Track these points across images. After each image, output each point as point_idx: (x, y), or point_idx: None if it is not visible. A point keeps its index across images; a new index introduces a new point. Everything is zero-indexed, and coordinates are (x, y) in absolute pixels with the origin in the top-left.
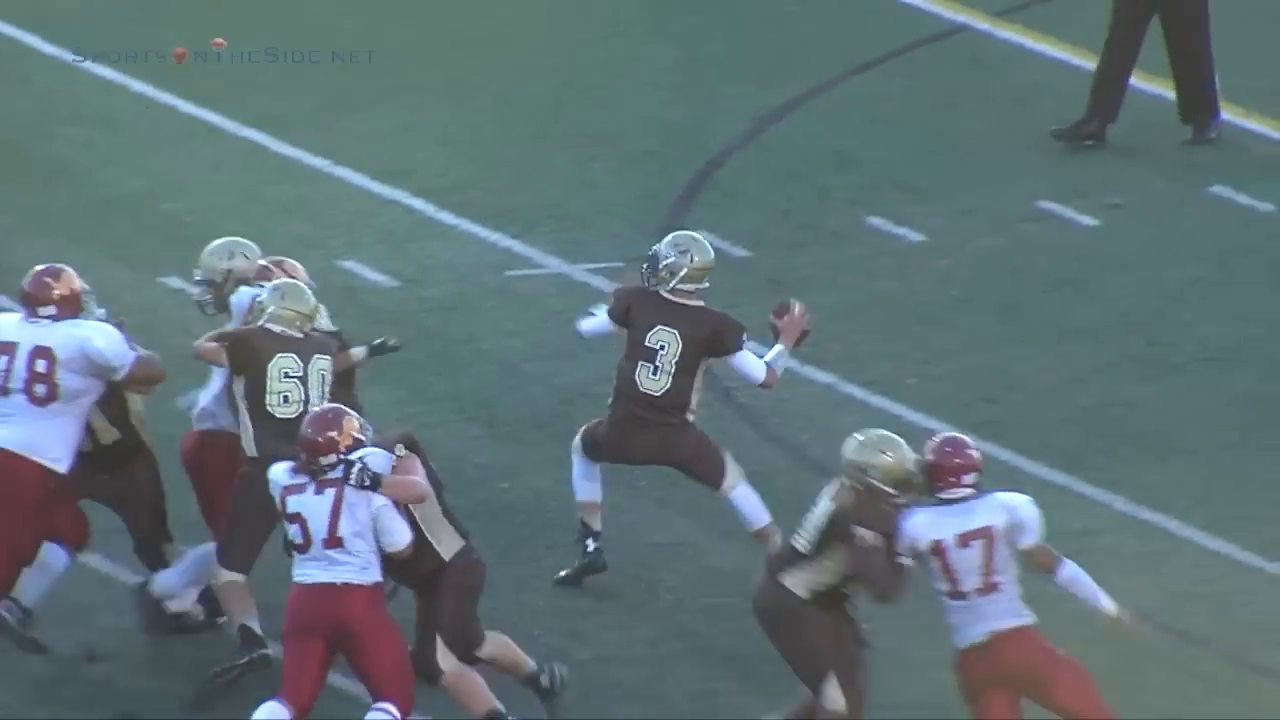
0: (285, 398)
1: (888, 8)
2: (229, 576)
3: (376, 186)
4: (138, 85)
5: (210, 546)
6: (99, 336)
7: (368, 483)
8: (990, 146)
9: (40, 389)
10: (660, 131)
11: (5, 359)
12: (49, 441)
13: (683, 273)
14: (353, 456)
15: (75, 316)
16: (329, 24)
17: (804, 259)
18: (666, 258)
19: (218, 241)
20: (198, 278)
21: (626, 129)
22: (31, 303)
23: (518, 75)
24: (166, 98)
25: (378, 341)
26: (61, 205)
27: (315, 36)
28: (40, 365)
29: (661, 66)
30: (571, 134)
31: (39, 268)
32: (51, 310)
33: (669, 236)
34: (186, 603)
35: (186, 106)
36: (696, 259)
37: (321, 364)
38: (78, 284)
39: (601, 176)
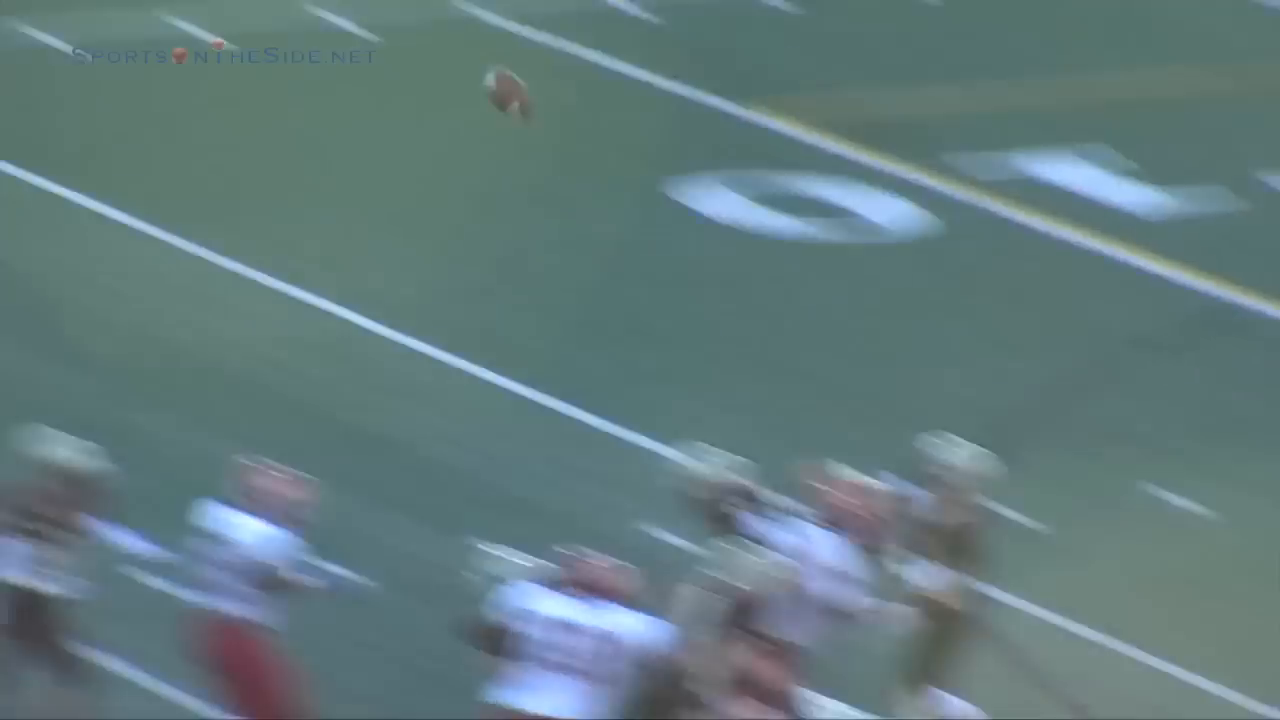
0: None
1: (1172, 291)
2: None
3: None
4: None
5: None
6: (655, 634)
7: None
8: (1272, 423)
9: (597, 671)
10: (940, 402)
11: (567, 637)
12: (592, 712)
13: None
14: None
15: (631, 607)
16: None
17: (1090, 530)
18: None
19: (700, 455)
20: None
21: (904, 400)
22: (591, 589)
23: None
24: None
25: None
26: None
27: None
28: (604, 651)
29: (945, 340)
30: (865, 405)
31: (600, 560)
32: (611, 600)
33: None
34: None
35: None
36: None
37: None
38: (634, 581)
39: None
